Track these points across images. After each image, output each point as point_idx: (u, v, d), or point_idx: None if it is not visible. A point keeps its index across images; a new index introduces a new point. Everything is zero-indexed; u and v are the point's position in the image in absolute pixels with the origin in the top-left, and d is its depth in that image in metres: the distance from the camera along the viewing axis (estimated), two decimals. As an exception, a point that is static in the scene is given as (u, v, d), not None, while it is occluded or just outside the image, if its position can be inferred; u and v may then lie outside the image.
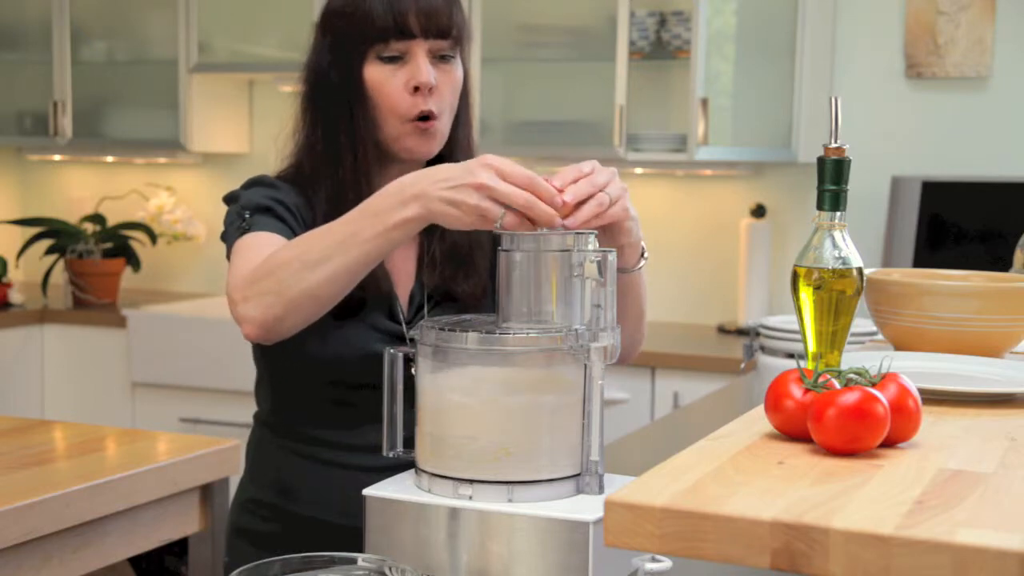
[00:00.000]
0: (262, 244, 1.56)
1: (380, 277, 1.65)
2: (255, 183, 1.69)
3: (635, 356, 1.72)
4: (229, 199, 1.68)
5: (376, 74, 1.64)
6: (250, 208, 1.62)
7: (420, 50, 1.63)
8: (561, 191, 1.38)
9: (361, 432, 1.66)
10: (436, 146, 1.67)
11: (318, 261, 1.44)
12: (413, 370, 1.41)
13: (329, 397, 1.67)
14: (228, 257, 1.62)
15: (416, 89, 1.63)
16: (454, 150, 1.71)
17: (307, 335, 1.55)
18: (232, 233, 1.62)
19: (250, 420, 1.82)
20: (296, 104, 1.73)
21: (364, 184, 1.65)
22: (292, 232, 1.61)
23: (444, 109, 1.66)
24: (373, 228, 1.43)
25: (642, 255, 1.57)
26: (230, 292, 1.53)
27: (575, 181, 1.40)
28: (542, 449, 1.34)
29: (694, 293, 4.18)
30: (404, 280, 1.70)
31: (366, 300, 1.63)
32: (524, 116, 4.11)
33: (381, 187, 1.69)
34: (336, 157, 1.66)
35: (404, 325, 1.67)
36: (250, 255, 1.54)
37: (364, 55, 1.64)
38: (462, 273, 1.69)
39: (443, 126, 1.67)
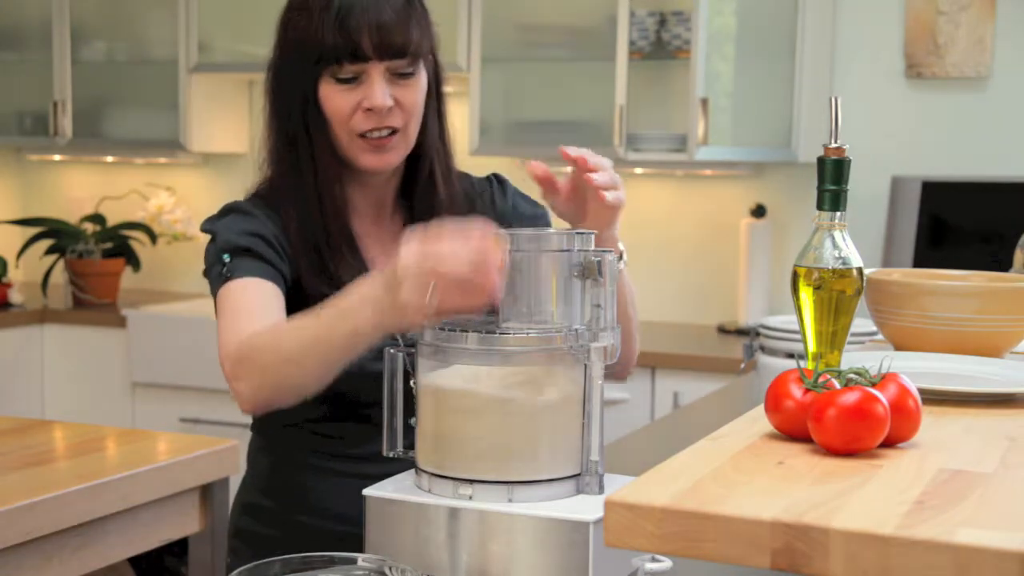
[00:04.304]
0: (246, 296, 1.53)
1: None
2: (230, 210, 1.64)
3: (629, 372, 1.69)
4: (207, 232, 1.63)
5: (330, 93, 1.59)
6: (229, 250, 1.57)
7: (376, 72, 1.58)
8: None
9: (360, 442, 1.65)
10: (394, 159, 1.63)
11: (293, 357, 1.41)
12: (412, 382, 1.40)
13: (327, 412, 1.65)
14: (214, 303, 1.58)
15: (369, 110, 1.58)
16: (426, 155, 1.68)
17: None
18: (215, 279, 1.58)
19: (250, 420, 1.82)
20: (263, 107, 1.69)
21: (328, 198, 1.62)
22: (275, 270, 1.57)
23: (407, 122, 1.62)
24: (343, 333, 1.38)
25: (620, 257, 1.52)
26: (222, 361, 1.50)
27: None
28: (542, 449, 1.34)
29: (694, 293, 4.18)
30: None
31: None
32: (524, 116, 4.11)
33: (347, 197, 1.65)
34: (298, 170, 1.63)
35: (400, 340, 1.65)
36: (235, 309, 1.52)
37: (318, 75, 1.59)
38: None
39: (405, 139, 1.63)
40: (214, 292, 1.58)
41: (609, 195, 1.49)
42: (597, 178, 1.48)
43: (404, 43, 1.58)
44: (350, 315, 1.37)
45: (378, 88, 1.58)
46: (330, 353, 1.39)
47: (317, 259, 1.61)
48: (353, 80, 1.59)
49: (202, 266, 1.64)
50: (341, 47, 1.56)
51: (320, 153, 1.62)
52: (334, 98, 1.59)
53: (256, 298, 1.53)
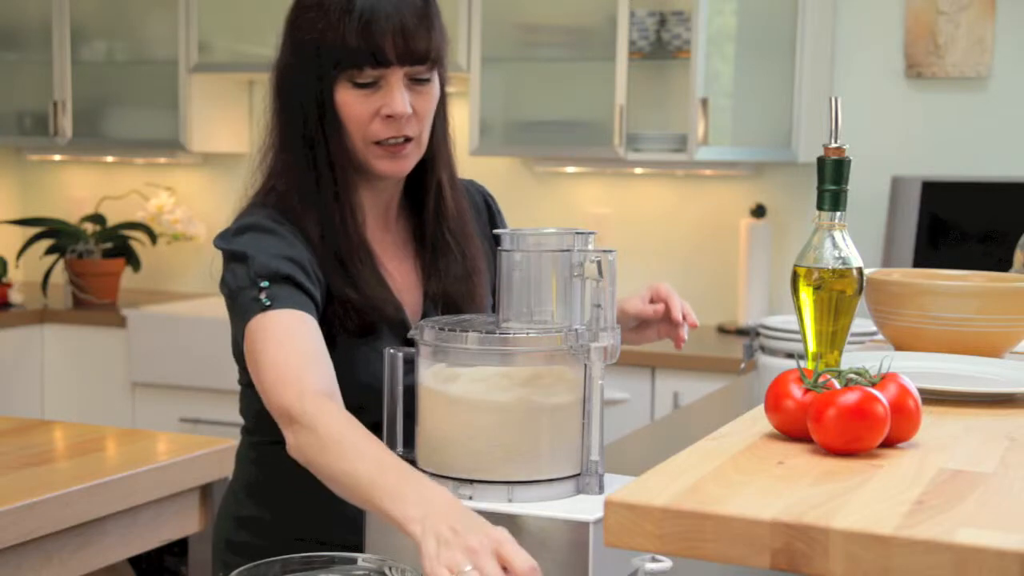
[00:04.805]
0: (290, 330, 1.47)
1: (391, 306, 1.61)
2: (250, 227, 1.57)
3: None
4: (230, 250, 1.56)
5: (347, 98, 1.55)
6: (268, 276, 1.50)
7: (396, 77, 1.54)
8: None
9: None
10: (409, 166, 1.61)
11: (338, 478, 1.35)
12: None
13: None
14: (243, 328, 1.51)
15: (389, 116, 1.55)
16: (433, 159, 1.66)
17: None
18: (248, 304, 1.50)
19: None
20: (268, 110, 1.64)
21: (347, 203, 1.60)
22: (312, 301, 1.52)
23: (422, 130, 1.60)
24: (381, 505, 1.28)
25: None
26: (274, 404, 1.43)
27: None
28: (542, 449, 1.34)
29: (694, 293, 4.17)
30: (412, 300, 1.67)
31: (378, 323, 1.60)
32: (524, 116, 4.11)
33: (364, 201, 1.64)
34: (314, 174, 1.59)
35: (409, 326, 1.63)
36: (280, 343, 1.45)
37: (335, 79, 1.55)
38: (467, 304, 1.66)
39: (419, 146, 1.61)
40: (246, 317, 1.50)
41: (686, 339, 1.78)
42: (685, 336, 1.78)
43: (426, 49, 1.55)
44: (394, 501, 1.27)
45: (398, 94, 1.55)
46: (365, 504, 1.33)
47: (339, 265, 1.58)
48: (372, 85, 1.55)
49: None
50: (363, 51, 1.53)
51: (336, 157, 1.59)
52: (352, 104, 1.56)
53: (301, 334, 1.48)
